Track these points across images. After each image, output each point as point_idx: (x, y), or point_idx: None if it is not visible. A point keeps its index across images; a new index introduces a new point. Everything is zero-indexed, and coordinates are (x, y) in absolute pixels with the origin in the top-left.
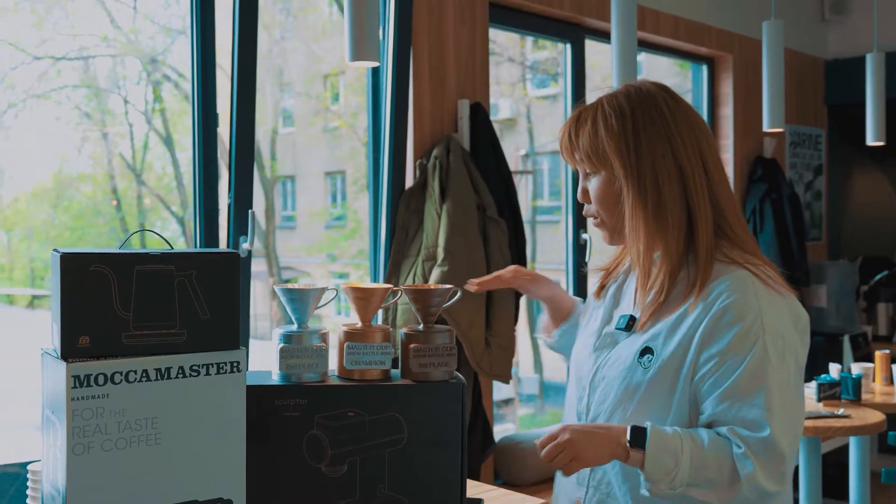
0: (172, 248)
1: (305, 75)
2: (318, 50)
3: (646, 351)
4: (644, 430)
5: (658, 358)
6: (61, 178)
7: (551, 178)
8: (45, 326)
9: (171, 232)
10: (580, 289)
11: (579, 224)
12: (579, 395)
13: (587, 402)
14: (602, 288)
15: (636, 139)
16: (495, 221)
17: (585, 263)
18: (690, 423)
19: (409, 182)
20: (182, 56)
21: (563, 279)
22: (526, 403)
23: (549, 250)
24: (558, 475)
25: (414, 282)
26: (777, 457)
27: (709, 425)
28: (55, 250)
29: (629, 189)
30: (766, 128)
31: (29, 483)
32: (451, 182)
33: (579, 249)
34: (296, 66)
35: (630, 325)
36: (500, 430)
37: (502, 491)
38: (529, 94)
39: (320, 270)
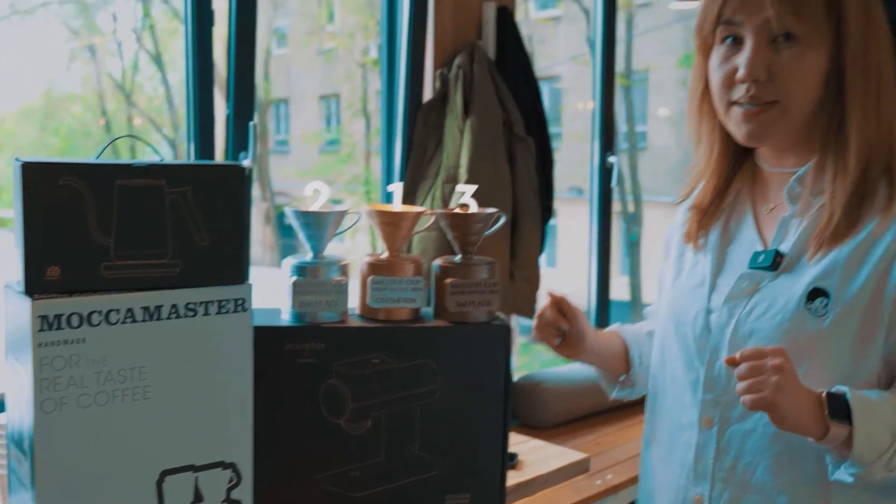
0: (163, 159)
1: None
2: None
3: (816, 293)
4: (842, 396)
5: (838, 301)
6: (50, 98)
7: (553, 102)
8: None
9: (164, 154)
10: (604, 221)
11: (606, 147)
12: (696, 363)
13: (717, 371)
14: (697, 232)
15: (871, 11)
16: (522, 140)
17: (612, 189)
18: (879, 388)
19: (428, 95)
20: None
21: (586, 208)
22: (524, 333)
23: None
24: (648, 462)
25: (432, 206)
26: None
27: None
28: (17, 160)
29: (858, 74)
30: None
31: None
32: (475, 95)
33: (605, 174)
34: None
35: (776, 262)
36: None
37: (537, 442)
38: (531, 16)
39: (313, 197)
